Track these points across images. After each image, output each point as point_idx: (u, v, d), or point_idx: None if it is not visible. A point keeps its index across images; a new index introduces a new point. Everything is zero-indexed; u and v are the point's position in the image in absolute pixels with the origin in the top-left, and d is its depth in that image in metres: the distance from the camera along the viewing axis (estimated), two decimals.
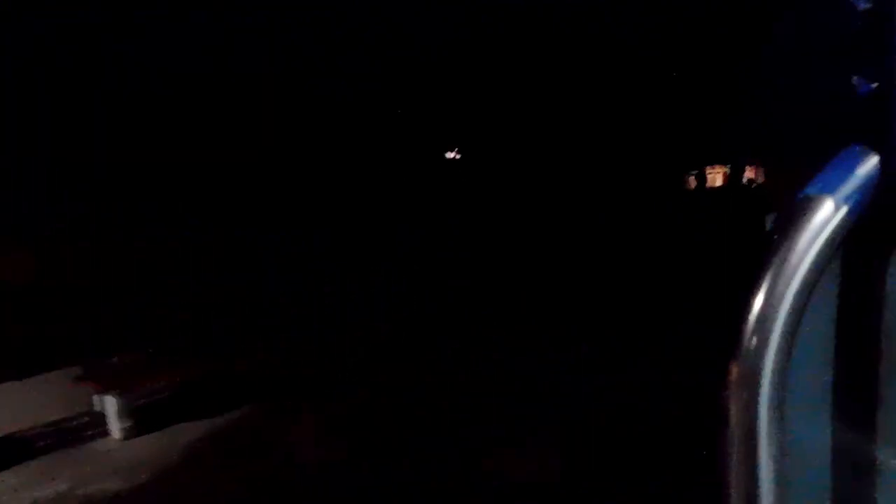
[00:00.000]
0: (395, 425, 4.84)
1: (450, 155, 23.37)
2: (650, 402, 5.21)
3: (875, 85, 0.62)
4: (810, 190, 0.63)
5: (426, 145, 23.23)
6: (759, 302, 0.61)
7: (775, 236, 0.62)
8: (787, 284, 0.60)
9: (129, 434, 4.81)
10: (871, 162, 0.62)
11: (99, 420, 4.93)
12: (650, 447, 4.44)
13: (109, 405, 4.81)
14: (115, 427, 4.81)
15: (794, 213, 0.62)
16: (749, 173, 28.83)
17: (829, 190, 0.62)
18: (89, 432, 4.84)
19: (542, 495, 3.95)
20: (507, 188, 18.75)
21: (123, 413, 4.82)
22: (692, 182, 28.14)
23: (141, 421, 4.88)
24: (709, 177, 28.99)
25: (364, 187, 18.01)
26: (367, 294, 8.76)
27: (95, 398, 5.09)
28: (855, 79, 0.63)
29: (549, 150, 22.38)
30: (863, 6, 0.63)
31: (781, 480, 0.60)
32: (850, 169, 0.62)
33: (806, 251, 0.61)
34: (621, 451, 4.41)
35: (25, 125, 18.73)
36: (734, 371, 0.61)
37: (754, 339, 0.60)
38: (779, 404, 0.60)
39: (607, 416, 4.96)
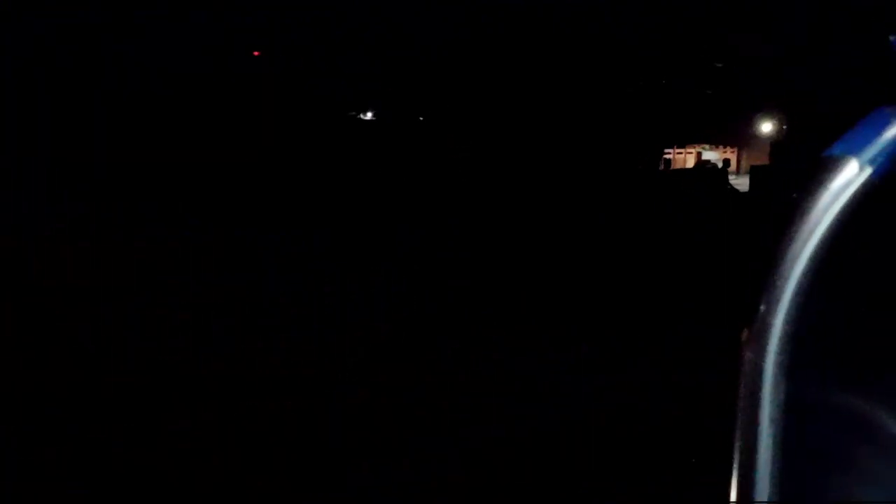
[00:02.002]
0: (395, 425, 4.84)
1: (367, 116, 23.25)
2: (650, 402, 5.20)
3: None
4: (835, 150, 0.61)
5: (426, 145, 23.23)
6: (775, 262, 0.60)
7: (795, 195, 0.61)
8: (804, 245, 0.59)
9: None
10: None
11: None
12: (650, 447, 4.43)
13: None
14: None
15: (816, 173, 0.60)
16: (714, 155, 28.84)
17: (854, 150, 0.60)
18: None
19: (541, 495, 3.95)
20: (507, 187, 18.75)
21: None
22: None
23: None
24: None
25: (364, 187, 18.01)
26: (367, 294, 8.75)
27: None
28: (892, 38, 0.62)
29: (546, 147, 22.39)
30: None
31: (780, 436, 0.60)
32: (877, 130, 0.61)
33: (825, 212, 0.60)
34: (621, 451, 4.40)
35: (25, 125, 18.73)
36: (746, 331, 0.61)
37: (767, 300, 0.60)
38: (785, 364, 0.60)
39: (607, 416, 4.95)
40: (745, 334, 0.62)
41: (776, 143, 25.54)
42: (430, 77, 23.66)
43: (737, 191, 21.45)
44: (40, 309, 7.32)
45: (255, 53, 22.62)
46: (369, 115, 25.84)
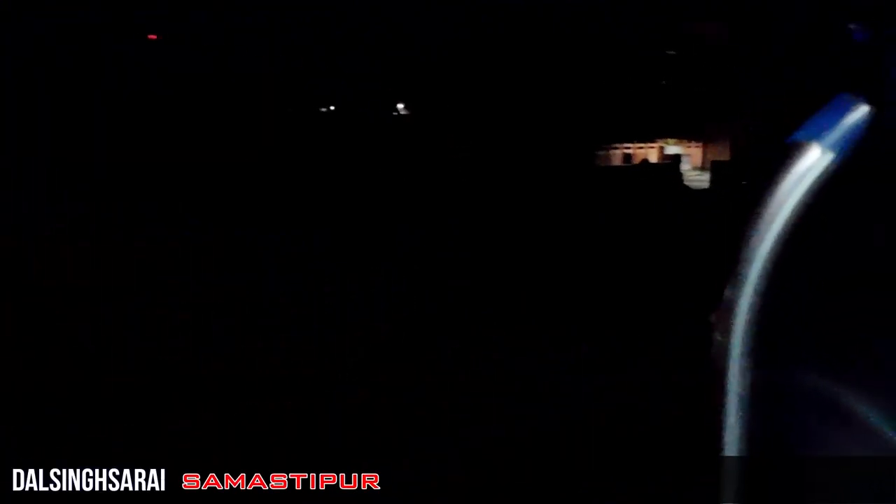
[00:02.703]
0: (395, 425, 4.84)
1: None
2: (650, 402, 5.20)
3: (871, 31, 0.63)
4: (798, 136, 0.64)
5: (426, 145, 23.23)
6: (739, 247, 0.62)
7: (759, 180, 0.63)
8: (768, 228, 0.62)
9: None
10: (861, 110, 0.63)
11: None
12: (650, 447, 4.43)
13: None
14: None
15: (778, 158, 0.63)
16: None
17: (817, 136, 0.63)
18: None
19: (541, 495, 3.95)
20: (507, 186, 18.76)
21: None
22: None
23: None
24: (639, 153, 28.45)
25: (364, 187, 18.01)
26: (367, 294, 8.75)
27: None
28: (852, 25, 0.64)
29: (548, 146, 22.39)
30: None
31: (743, 418, 0.62)
32: (839, 116, 0.63)
33: (788, 196, 0.62)
34: (621, 451, 4.40)
35: (25, 125, 18.75)
36: (714, 317, 0.63)
37: (732, 285, 0.62)
38: (750, 346, 0.61)
39: (607, 416, 4.95)
40: (713, 317, 0.64)
41: (739, 138, 25.29)
42: (430, 77, 23.67)
43: (689, 188, 20.90)
44: (40, 309, 7.33)
45: (151, 37, 22.34)
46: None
